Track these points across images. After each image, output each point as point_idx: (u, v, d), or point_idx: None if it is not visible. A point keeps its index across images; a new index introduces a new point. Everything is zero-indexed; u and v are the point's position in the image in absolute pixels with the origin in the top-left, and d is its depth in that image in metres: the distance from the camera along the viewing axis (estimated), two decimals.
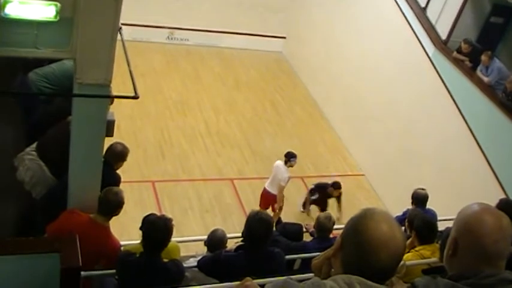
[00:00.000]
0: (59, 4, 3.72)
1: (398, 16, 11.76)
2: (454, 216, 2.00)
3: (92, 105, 4.32)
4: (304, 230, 6.59)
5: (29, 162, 5.32)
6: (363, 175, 12.29)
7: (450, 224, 2.10)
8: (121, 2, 3.87)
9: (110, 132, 5.06)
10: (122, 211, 4.85)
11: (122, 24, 4.32)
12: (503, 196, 8.16)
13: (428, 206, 6.93)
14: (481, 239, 1.84)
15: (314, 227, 5.96)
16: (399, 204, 8.01)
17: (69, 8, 3.81)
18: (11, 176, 5.32)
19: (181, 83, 13.96)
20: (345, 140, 13.22)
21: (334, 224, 5.84)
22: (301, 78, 15.49)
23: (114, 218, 4.85)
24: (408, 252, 4.93)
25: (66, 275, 3.77)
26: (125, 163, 5.66)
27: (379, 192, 11.75)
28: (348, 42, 13.50)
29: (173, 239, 4.50)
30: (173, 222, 4.37)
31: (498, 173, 9.07)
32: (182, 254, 5.25)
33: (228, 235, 5.69)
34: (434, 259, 4.77)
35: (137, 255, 4.27)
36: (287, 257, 4.92)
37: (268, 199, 9.56)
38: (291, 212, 10.06)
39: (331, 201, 10.15)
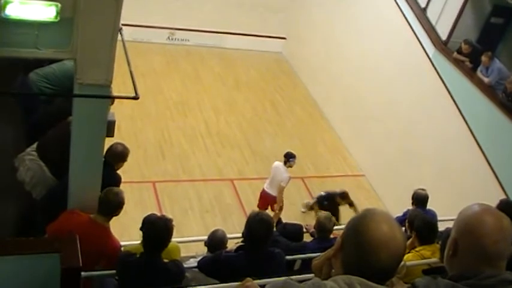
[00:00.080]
0: (59, 4, 3.72)
1: (398, 16, 11.76)
2: (454, 217, 2.00)
3: (92, 105, 4.33)
4: (305, 230, 6.59)
5: (30, 162, 5.33)
6: (363, 175, 12.29)
7: (450, 224, 2.10)
8: (121, 2, 3.87)
9: (110, 133, 5.06)
10: (122, 211, 4.85)
11: (123, 24, 4.32)
12: (503, 196, 8.16)
13: (429, 206, 6.94)
14: (481, 240, 1.84)
15: (314, 228, 5.97)
16: (399, 205, 8.01)
17: (70, 8, 3.81)
18: (11, 176, 5.33)
19: (181, 84, 13.97)
20: (345, 140, 13.22)
21: (334, 225, 5.84)
22: (301, 79, 15.50)
23: (114, 218, 4.86)
24: (408, 252, 4.93)
25: (67, 275, 3.77)
26: (125, 163, 5.66)
27: (379, 192, 11.75)
28: (348, 43, 13.50)
29: (173, 239, 4.50)
30: (173, 223, 4.37)
31: (498, 173, 9.07)
32: (182, 254, 5.25)
33: (228, 235, 5.69)
34: (434, 259, 4.78)
35: (137, 256, 4.27)
36: (287, 257, 4.93)
37: (267, 200, 9.55)
38: (291, 213, 10.05)
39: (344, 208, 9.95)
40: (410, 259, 4.78)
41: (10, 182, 5.35)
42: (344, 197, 9.63)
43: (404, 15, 11.63)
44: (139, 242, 4.42)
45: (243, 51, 15.94)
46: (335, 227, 5.90)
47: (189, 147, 11.69)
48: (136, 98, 4.33)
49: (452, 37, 10.80)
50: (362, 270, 1.67)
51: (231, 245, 5.55)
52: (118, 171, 5.57)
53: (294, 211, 10.33)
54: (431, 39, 10.94)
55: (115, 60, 4.12)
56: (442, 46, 10.77)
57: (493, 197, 6.58)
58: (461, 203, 2.20)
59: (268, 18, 15.96)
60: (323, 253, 1.86)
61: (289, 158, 9.26)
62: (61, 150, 4.83)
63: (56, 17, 3.74)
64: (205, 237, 5.79)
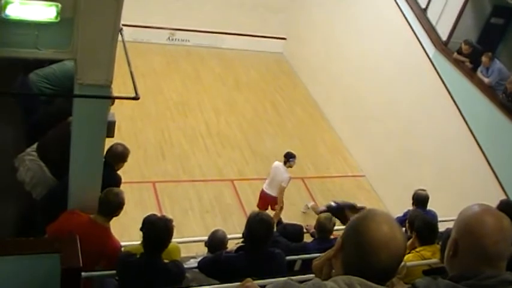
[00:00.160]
0: (59, 5, 3.72)
1: (398, 17, 11.76)
2: (454, 217, 2.00)
3: (92, 105, 4.33)
4: (305, 230, 6.58)
5: (30, 162, 5.33)
6: (363, 176, 12.29)
7: (451, 224, 2.10)
8: (122, 3, 3.87)
9: (110, 133, 5.06)
10: (123, 212, 4.85)
11: (123, 25, 4.33)
12: (503, 197, 8.17)
13: (429, 206, 6.94)
14: (481, 240, 1.84)
15: (314, 228, 5.96)
16: (400, 205, 8.02)
17: (70, 8, 3.81)
18: (11, 176, 5.33)
19: (181, 84, 13.97)
20: (345, 141, 13.22)
21: (334, 225, 5.83)
22: (301, 79, 15.50)
23: (114, 218, 4.85)
24: (409, 253, 4.93)
25: (67, 275, 3.77)
26: (126, 164, 5.66)
27: (380, 193, 11.74)
28: (348, 43, 13.50)
29: (174, 239, 4.50)
30: (173, 223, 4.37)
31: (498, 173, 9.07)
32: (182, 254, 5.25)
33: (229, 236, 5.69)
34: (434, 260, 4.78)
35: (138, 256, 4.27)
36: (287, 257, 4.92)
37: (266, 200, 9.53)
38: (291, 213, 10.05)
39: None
40: (410, 259, 4.77)
41: (10, 182, 5.35)
42: (354, 210, 9.60)
43: (404, 16, 11.63)
44: (139, 242, 4.42)
45: (243, 52, 15.95)
46: (335, 228, 5.89)
47: (189, 147, 11.69)
48: (136, 98, 4.33)
49: (452, 37, 10.80)
50: (362, 271, 1.66)
51: (231, 245, 5.55)
52: (118, 172, 5.57)
53: (294, 211, 10.33)
54: (431, 39, 10.94)
55: (115, 60, 4.12)
56: (442, 46, 10.77)
57: (493, 197, 6.58)
58: (462, 203, 2.20)
59: (268, 18, 15.96)
60: (323, 253, 1.86)
61: (289, 158, 9.25)
62: (61, 151, 4.83)
63: (56, 17, 3.74)
64: (206, 238, 5.80)
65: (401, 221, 6.10)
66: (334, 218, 5.94)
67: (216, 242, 5.44)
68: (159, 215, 4.89)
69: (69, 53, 4.07)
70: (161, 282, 4.19)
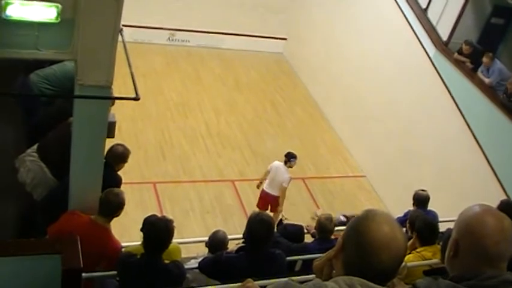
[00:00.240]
0: (60, 6, 3.72)
1: (398, 17, 11.76)
2: (455, 217, 2.00)
3: (93, 106, 4.33)
4: (306, 231, 6.58)
5: (30, 163, 5.33)
6: (363, 176, 12.28)
7: (451, 225, 2.10)
8: (122, 3, 3.88)
9: (111, 134, 5.07)
10: (123, 212, 4.85)
11: (123, 25, 4.33)
12: (504, 197, 8.17)
13: (429, 206, 6.94)
14: (482, 240, 1.84)
15: (315, 228, 5.96)
16: (400, 205, 8.02)
17: (70, 9, 3.81)
18: (12, 177, 5.33)
19: (182, 84, 13.98)
20: (346, 141, 13.22)
21: (335, 226, 5.83)
22: (301, 79, 15.50)
23: (115, 219, 4.85)
24: (409, 253, 4.93)
25: (68, 276, 3.77)
26: (126, 164, 5.66)
27: (380, 193, 11.74)
28: (348, 43, 13.50)
29: (174, 240, 4.50)
30: (174, 224, 4.37)
31: (499, 173, 9.07)
32: (183, 255, 5.26)
33: (229, 236, 5.69)
34: (435, 260, 4.77)
35: (138, 257, 4.27)
36: (288, 258, 4.92)
37: (267, 200, 9.53)
38: (292, 213, 10.05)
39: None
40: (411, 260, 4.77)
41: (11, 183, 5.35)
42: None
43: (404, 16, 11.63)
44: (140, 243, 4.42)
45: (243, 52, 15.95)
46: (336, 228, 5.89)
47: (190, 148, 11.69)
48: (137, 99, 4.33)
49: (453, 38, 10.80)
50: (363, 271, 1.66)
51: (232, 245, 5.55)
52: (119, 172, 5.57)
53: (295, 212, 10.33)
54: (432, 39, 10.94)
55: (115, 61, 4.13)
56: (443, 46, 10.77)
57: (494, 198, 6.59)
58: (462, 203, 2.20)
59: (268, 18, 15.96)
60: (324, 254, 1.86)
61: (290, 158, 9.24)
62: (62, 151, 4.83)
63: (56, 18, 3.75)
64: (206, 238, 5.79)
65: (402, 221, 6.10)
66: (334, 218, 5.94)
67: (216, 242, 5.44)
68: (159, 215, 4.90)
69: (69, 53, 4.07)
70: (162, 283, 4.19)
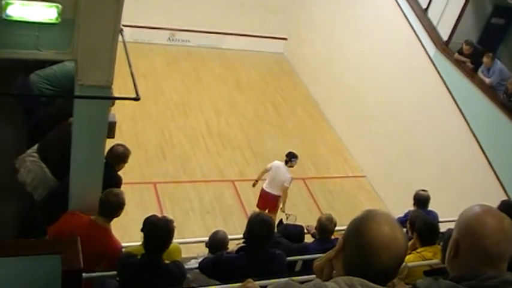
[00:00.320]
0: (60, 6, 3.72)
1: (399, 17, 11.76)
2: (455, 218, 1.99)
3: (93, 106, 4.33)
4: (306, 231, 6.57)
5: (30, 164, 5.33)
6: (364, 176, 12.28)
7: (452, 225, 2.10)
8: (122, 3, 3.87)
9: (111, 134, 5.07)
10: (123, 212, 4.85)
11: (123, 25, 4.33)
12: (504, 197, 8.17)
13: (430, 207, 6.93)
14: (482, 241, 1.83)
15: (315, 229, 5.95)
16: (400, 206, 8.01)
17: (71, 9, 3.81)
18: (12, 177, 5.32)
19: (182, 84, 13.98)
20: (346, 141, 13.22)
21: (335, 226, 5.83)
22: (301, 79, 15.51)
23: (115, 219, 4.85)
24: (410, 253, 4.93)
25: (68, 276, 3.76)
26: (126, 164, 5.66)
27: (381, 193, 11.74)
28: (348, 43, 13.51)
29: (174, 240, 4.50)
30: (174, 224, 4.37)
31: (499, 173, 9.06)
32: (183, 255, 5.26)
33: (230, 236, 5.68)
34: (435, 261, 4.77)
35: (138, 257, 4.27)
36: (288, 258, 4.92)
37: (267, 199, 9.51)
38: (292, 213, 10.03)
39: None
40: (411, 260, 4.77)
41: (11, 183, 5.35)
42: None
43: (405, 16, 11.63)
44: (140, 243, 4.42)
45: (243, 52, 15.95)
46: (336, 228, 5.88)
47: (190, 148, 11.69)
48: (137, 99, 4.33)
49: (453, 38, 10.80)
50: (363, 272, 1.66)
51: (232, 246, 5.55)
52: (119, 172, 5.57)
53: (295, 212, 10.28)
54: (432, 39, 10.94)
55: (116, 61, 4.12)
56: (443, 46, 10.77)
57: (494, 198, 6.59)
58: (462, 203, 2.20)
59: (268, 18, 15.96)
60: (324, 254, 1.86)
61: (291, 158, 9.23)
62: (62, 152, 4.83)
63: (57, 18, 3.74)
64: (206, 238, 5.79)
65: (402, 221, 6.10)
66: (335, 218, 5.94)
67: (216, 242, 5.44)
68: (159, 215, 4.89)
69: (69, 53, 4.07)
70: (162, 283, 4.19)
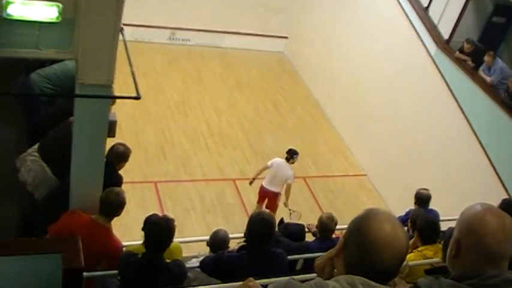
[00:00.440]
0: (60, 5, 3.72)
1: (399, 16, 11.76)
2: (456, 216, 1.99)
3: (93, 105, 4.33)
4: (307, 230, 6.58)
5: (31, 163, 5.33)
6: (365, 175, 12.28)
7: (453, 224, 2.10)
8: (122, 2, 3.88)
9: (111, 133, 5.06)
10: (124, 212, 4.85)
11: (124, 24, 4.32)
12: (505, 196, 8.16)
13: (431, 205, 6.93)
14: (484, 239, 1.83)
15: (316, 228, 5.96)
16: (401, 204, 8.01)
17: (71, 8, 3.82)
18: (13, 176, 5.33)
19: (182, 84, 13.97)
20: (347, 140, 13.22)
21: (336, 225, 5.83)
22: (302, 78, 15.50)
23: (116, 218, 4.85)
24: (411, 252, 4.93)
25: (69, 275, 3.77)
26: (127, 163, 5.66)
27: (382, 192, 11.74)
28: (349, 42, 13.50)
29: (175, 239, 4.50)
30: (175, 223, 4.37)
31: (500, 172, 9.06)
32: (184, 254, 5.26)
33: (230, 235, 5.69)
34: (436, 259, 4.77)
35: (139, 256, 4.27)
36: (289, 257, 4.92)
37: (267, 197, 9.52)
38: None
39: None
40: (412, 259, 4.77)
41: (12, 182, 5.35)
42: None
43: (406, 15, 11.63)
44: (141, 242, 4.42)
45: (244, 51, 15.94)
46: (337, 227, 5.89)
47: (191, 147, 11.69)
48: (137, 98, 4.33)
49: (454, 36, 10.80)
50: (364, 270, 1.66)
51: (233, 245, 5.55)
52: (119, 171, 5.57)
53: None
54: (433, 38, 10.94)
55: (116, 60, 4.12)
56: (444, 45, 10.76)
57: (495, 196, 6.58)
58: (463, 202, 2.19)
59: (269, 18, 15.95)
60: (325, 253, 1.86)
61: (292, 155, 9.27)
62: (63, 151, 4.83)
63: (57, 17, 3.75)
64: (207, 237, 5.79)
65: (403, 220, 6.11)
66: (336, 217, 5.94)
67: (217, 241, 5.44)
68: (160, 214, 4.89)
69: (70, 53, 4.07)
70: (163, 282, 4.20)
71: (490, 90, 9.53)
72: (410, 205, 7.00)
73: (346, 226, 1.82)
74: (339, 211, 9.92)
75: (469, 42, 10.17)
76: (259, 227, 4.33)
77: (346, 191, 11.66)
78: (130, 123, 11.25)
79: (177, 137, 11.87)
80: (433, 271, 2.19)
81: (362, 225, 1.71)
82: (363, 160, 12.58)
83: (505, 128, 9.11)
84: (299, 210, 9.75)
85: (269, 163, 9.46)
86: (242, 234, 5.04)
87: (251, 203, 10.16)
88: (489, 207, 1.91)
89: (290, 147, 9.64)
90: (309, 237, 6.46)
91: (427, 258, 4.88)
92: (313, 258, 2.14)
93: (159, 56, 14.77)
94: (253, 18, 15.74)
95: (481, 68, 9.84)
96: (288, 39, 16.55)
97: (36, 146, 5.43)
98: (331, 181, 11.81)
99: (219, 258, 4.61)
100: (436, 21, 11.14)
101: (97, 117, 4.46)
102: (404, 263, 1.74)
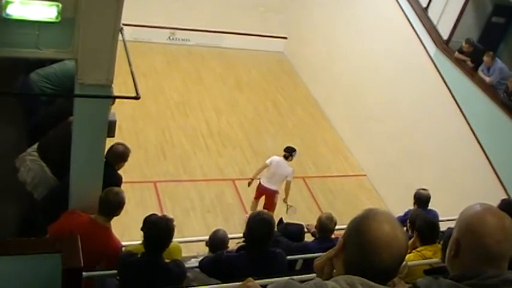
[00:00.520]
0: (60, 5, 3.72)
1: (399, 16, 11.76)
2: (455, 217, 1.99)
3: (93, 105, 4.33)
4: (306, 230, 6.58)
5: (31, 163, 5.33)
6: (364, 175, 12.28)
7: (452, 224, 2.10)
8: (122, 2, 3.88)
9: (111, 133, 5.06)
10: (123, 211, 4.85)
11: (123, 24, 4.33)
12: (504, 196, 8.16)
13: (430, 205, 6.93)
14: (483, 240, 1.83)
15: (316, 228, 5.95)
16: (401, 205, 8.01)
17: (71, 8, 3.82)
18: (12, 176, 5.33)
19: (182, 83, 13.97)
20: (346, 140, 13.22)
21: (335, 225, 5.83)
22: (302, 78, 15.50)
23: (115, 218, 4.85)
24: (410, 252, 4.93)
25: (68, 275, 3.77)
26: (126, 163, 5.66)
27: (381, 192, 11.74)
28: (349, 42, 13.50)
29: (175, 239, 4.50)
30: (175, 223, 4.37)
31: (499, 172, 9.06)
32: (184, 254, 5.26)
33: (230, 235, 5.69)
34: (436, 259, 4.78)
35: (138, 256, 4.27)
36: (288, 257, 4.92)
37: (265, 196, 9.52)
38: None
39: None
40: (411, 259, 4.77)
41: (11, 182, 5.35)
42: None
43: (405, 15, 11.63)
44: (140, 242, 4.42)
45: (244, 51, 15.93)
46: (336, 227, 5.88)
47: (190, 147, 11.69)
48: (137, 97, 4.33)
49: (453, 36, 10.80)
50: (364, 271, 1.66)
51: (233, 245, 5.55)
52: (119, 171, 5.57)
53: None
54: (432, 38, 10.94)
55: (116, 60, 4.12)
56: (444, 45, 10.76)
57: (495, 197, 6.58)
58: (463, 202, 2.20)
59: (269, 18, 15.96)
60: (325, 253, 1.86)
61: (291, 153, 9.29)
62: (62, 151, 4.83)
63: (57, 17, 3.75)
64: (207, 237, 5.79)
65: (403, 220, 6.10)
66: (335, 217, 5.94)
67: (217, 241, 5.44)
68: (160, 214, 4.89)
69: (70, 52, 4.07)
70: (162, 282, 4.19)
71: (489, 90, 9.54)
72: (410, 205, 7.00)
73: (345, 226, 1.81)
74: (338, 211, 9.91)
75: (468, 42, 10.17)
76: (259, 227, 4.34)
77: (346, 191, 11.65)
78: (130, 123, 11.24)
79: (176, 137, 11.87)
80: (432, 271, 2.19)
81: (361, 225, 1.71)
82: (362, 160, 12.58)
83: (504, 128, 9.11)
84: (299, 209, 9.77)
85: (268, 161, 9.48)
86: (241, 234, 5.04)
87: (250, 203, 10.15)
88: (488, 208, 1.91)
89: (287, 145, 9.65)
90: (308, 238, 6.46)
91: (426, 258, 4.88)
92: (313, 259, 2.14)
93: (158, 56, 14.76)
94: (253, 18, 15.74)
95: (480, 68, 9.85)
96: (287, 39, 16.55)
97: (35, 146, 5.43)
98: (330, 181, 11.80)
99: (218, 258, 4.61)
100: (435, 22, 11.14)
101: (96, 117, 4.46)
102: (404, 263, 1.74)
